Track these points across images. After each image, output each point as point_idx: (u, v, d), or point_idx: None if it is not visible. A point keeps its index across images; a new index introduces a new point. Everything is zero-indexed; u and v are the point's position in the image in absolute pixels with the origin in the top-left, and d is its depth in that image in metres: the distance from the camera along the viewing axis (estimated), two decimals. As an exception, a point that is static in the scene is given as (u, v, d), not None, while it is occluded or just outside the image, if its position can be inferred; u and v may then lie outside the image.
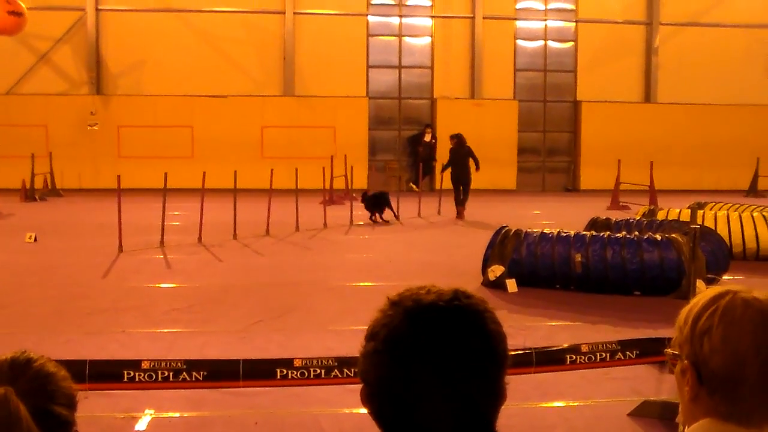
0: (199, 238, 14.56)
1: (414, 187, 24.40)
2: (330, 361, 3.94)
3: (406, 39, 27.92)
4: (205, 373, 3.88)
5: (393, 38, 27.87)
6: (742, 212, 14.57)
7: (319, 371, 3.95)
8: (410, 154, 27.50)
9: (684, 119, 28.41)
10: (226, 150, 25.48)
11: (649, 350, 3.92)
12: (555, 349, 3.80)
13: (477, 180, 26.97)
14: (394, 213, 18.41)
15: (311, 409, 6.13)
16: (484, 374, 1.47)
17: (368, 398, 1.50)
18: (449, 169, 19.65)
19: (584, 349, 3.71)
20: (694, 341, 1.68)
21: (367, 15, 27.53)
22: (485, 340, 1.47)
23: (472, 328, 1.47)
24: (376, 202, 18.28)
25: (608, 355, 3.74)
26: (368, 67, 27.65)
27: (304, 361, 3.96)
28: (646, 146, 26.79)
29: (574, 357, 3.70)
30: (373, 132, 27.61)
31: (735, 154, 28.15)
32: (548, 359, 3.68)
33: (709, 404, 1.68)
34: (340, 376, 3.95)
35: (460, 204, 19.30)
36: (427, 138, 26.79)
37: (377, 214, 18.22)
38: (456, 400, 1.45)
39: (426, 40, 27.95)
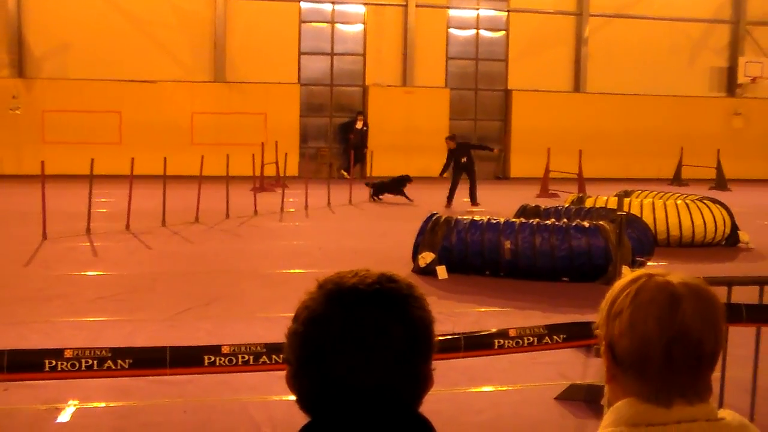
0: (127, 226, 14.30)
1: (345, 174, 24.35)
2: (258, 348, 3.90)
3: (338, 26, 27.81)
4: (131, 361, 3.79)
5: (325, 25, 27.73)
6: (667, 200, 14.89)
7: (247, 357, 3.90)
8: (342, 141, 27.45)
9: (612, 109, 28.91)
10: (156, 136, 25.05)
11: (575, 334, 3.98)
12: (483, 334, 3.82)
13: (408, 167, 27.09)
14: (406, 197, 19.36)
15: (240, 397, 6.07)
16: (404, 359, 1.46)
17: (290, 379, 1.50)
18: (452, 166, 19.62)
19: (512, 333, 3.74)
20: (609, 323, 1.73)
21: (299, 1, 27.32)
22: (407, 326, 1.47)
23: (391, 313, 1.46)
24: (396, 185, 19.31)
25: (536, 339, 3.77)
26: (300, 53, 27.46)
27: (232, 348, 3.90)
28: (575, 135, 27.20)
29: (502, 342, 3.72)
30: (304, 119, 27.46)
31: (660, 144, 28.76)
32: (476, 344, 3.69)
33: (626, 384, 1.72)
34: (268, 362, 3.91)
35: (473, 199, 19.20)
36: (359, 125, 26.76)
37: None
38: (375, 384, 1.44)
39: (358, 28, 27.88)
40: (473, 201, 19.18)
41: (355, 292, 1.47)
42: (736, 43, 30.69)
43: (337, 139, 27.74)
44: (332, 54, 27.77)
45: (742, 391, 4.73)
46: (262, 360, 3.93)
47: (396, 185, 19.17)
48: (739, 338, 5.16)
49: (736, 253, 13.75)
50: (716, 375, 4.43)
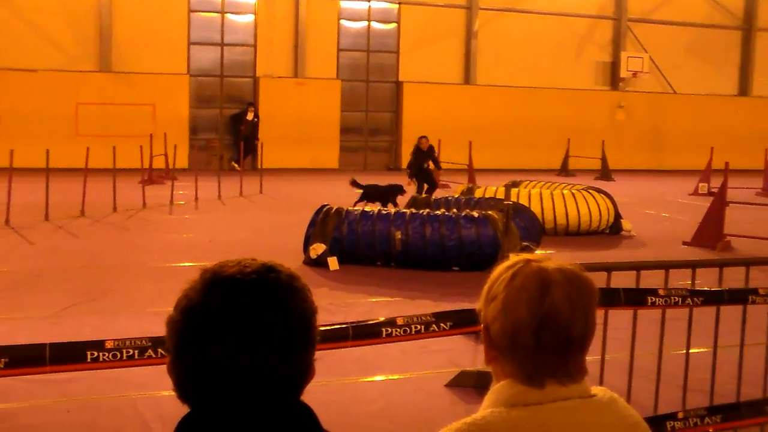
0: (7, 220, 13.76)
1: (236, 166, 24.04)
2: (144, 341, 3.80)
3: (228, 16, 27.40)
4: (6, 360, 3.64)
5: (215, 15, 27.28)
6: (554, 190, 15.28)
7: (132, 352, 3.80)
8: (232, 132, 27.07)
9: (501, 101, 29.45)
10: (37, 127, 24.16)
11: (461, 321, 4.03)
12: (371, 322, 3.83)
13: (299, 159, 26.98)
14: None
15: (128, 393, 5.94)
16: (281, 349, 1.46)
17: (169, 368, 1.49)
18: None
19: (399, 322, 3.76)
20: (486, 306, 1.77)
21: (188, -10, 26.79)
22: (284, 316, 1.47)
23: (268, 303, 1.46)
24: (385, 192, 16.51)
25: (423, 327, 3.81)
26: (189, 43, 26.95)
27: (116, 343, 3.80)
28: (466, 127, 27.59)
29: (389, 330, 3.74)
30: (194, 110, 26.97)
31: (548, 136, 29.48)
32: (364, 333, 3.70)
33: (504, 366, 1.77)
34: (154, 356, 3.82)
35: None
36: (250, 116, 26.45)
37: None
38: (252, 373, 1.44)
39: (249, 18, 27.54)
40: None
41: (232, 281, 1.47)
42: (618, 38, 31.70)
43: (228, 130, 27.35)
44: (222, 44, 27.36)
45: (620, 371, 4.90)
46: (147, 354, 3.84)
47: (389, 194, 16.56)
48: (618, 321, 5.35)
49: (619, 241, 14.23)
50: (597, 357, 4.57)
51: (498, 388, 1.76)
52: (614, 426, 1.74)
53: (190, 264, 10.78)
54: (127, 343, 3.81)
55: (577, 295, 1.71)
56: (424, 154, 19.50)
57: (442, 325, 3.83)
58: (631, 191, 21.72)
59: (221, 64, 27.40)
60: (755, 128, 32.56)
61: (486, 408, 1.74)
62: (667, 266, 4.58)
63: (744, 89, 33.91)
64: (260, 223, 15.06)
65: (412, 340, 3.98)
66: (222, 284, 1.47)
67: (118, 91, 25.39)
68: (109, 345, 3.78)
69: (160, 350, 3.79)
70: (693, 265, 4.71)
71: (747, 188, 21.73)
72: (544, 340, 1.70)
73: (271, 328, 1.45)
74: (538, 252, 11.82)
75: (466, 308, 4.16)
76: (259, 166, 21.37)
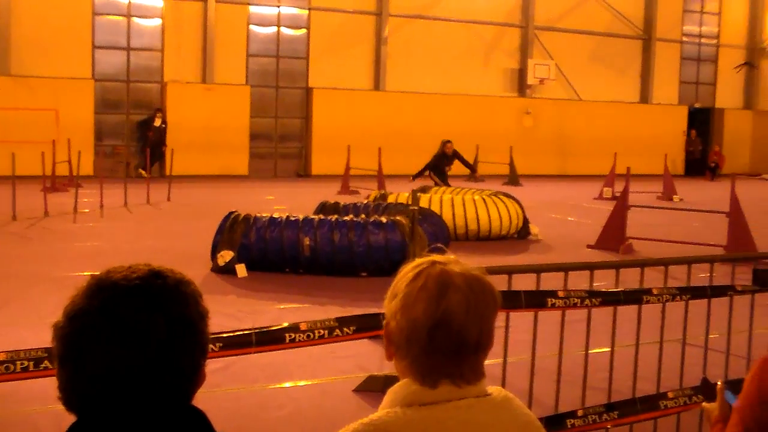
0: None
1: (143, 173, 23.59)
2: (39, 352, 3.69)
3: (135, 19, 26.90)
4: None
5: (121, 18, 26.74)
6: (464, 195, 15.47)
7: (27, 364, 3.68)
8: (139, 139, 26.59)
9: (411, 107, 29.67)
10: (-69, 133, 23.28)
11: (365, 326, 4.04)
12: (274, 328, 3.81)
13: (208, 166, 26.65)
14: None
15: (26, 408, 5.76)
16: (166, 355, 1.45)
17: (57, 375, 1.48)
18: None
19: (303, 327, 3.75)
20: (389, 303, 1.80)
21: (91, -8, 26.20)
22: (168, 320, 1.46)
23: (150, 308, 1.46)
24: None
25: (327, 332, 3.81)
26: (94, 47, 26.35)
27: (9, 355, 3.68)
28: (376, 133, 27.71)
29: (293, 336, 3.72)
30: (99, 116, 26.36)
31: (457, 141, 29.64)
32: (268, 339, 3.67)
33: (402, 365, 1.80)
34: (51, 367, 3.71)
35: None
36: (157, 123, 26.01)
37: None
38: (137, 379, 1.44)
39: (156, 22, 27.09)
40: None
41: (114, 287, 1.47)
42: (526, 46, 32.32)
43: (135, 136, 26.85)
44: (128, 48, 26.85)
45: (523, 373, 4.99)
46: (43, 365, 3.73)
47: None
48: (520, 323, 5.45)
49: (527, 245, 14.48)
50: (499, 360, 4.64)
51: (395, 389, 1.79)
52: (508, 424, 1.77)
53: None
54: (21, 354, 3.70)
55: (476, 300, 1.74)
56: (448, 158, 19.79)
57: (345, 329, 3.83)
58: (539, 196, 22.16)
59: (127, 68, 26.87)
60: (655, 134, 33.64)
61: (383, 408, 1.76)
62: (566, 268, 4.69)
63: (645, 96, 34.99)
64: (167, 231, 14.81)
65: (317, 345, 3.97)
66: (105, 290, 1.47)
67: (18, 95, 24.59)
68: (1, 357, 3.66)
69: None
70: (591, 267, 4.84)
71: (648, 192, 22.43)
72: (437, 341, 1.73)
73: (153, 333, 1.44)
74: (449, 254, 11.94)
75: (370, 313, 4.18)
76: (168, 173, 21.03)
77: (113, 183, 19.65)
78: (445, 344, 1.73)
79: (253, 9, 28.22)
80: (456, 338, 1.73)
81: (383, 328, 1.83)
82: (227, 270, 10.66)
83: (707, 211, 14.49)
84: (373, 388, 6.51)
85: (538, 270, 4.58)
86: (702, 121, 35.90)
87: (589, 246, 13.99)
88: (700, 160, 34.56)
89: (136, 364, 1.42)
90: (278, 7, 28.61)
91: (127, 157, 25.30)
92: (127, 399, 1.43)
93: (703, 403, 2.90)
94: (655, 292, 4.80)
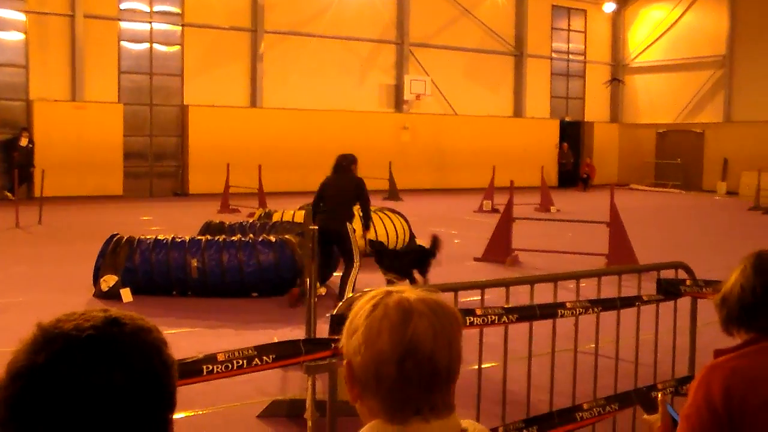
0: None
1: (9, 195, 22.48)
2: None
3: (-4, 35, 25.67)
4: None
5: (-19, 34, 25.48)
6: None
7: None
8: (4, 159, 25.29)
9: (288, 124, 29.42)
10: None
11: (285, 353, 3.85)
12: (189, 360, 3.56)
13: (81, 186, 25.63)
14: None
15: None
16: (126, 416, 1.24)
17: None
18: None
19: (220, 358, 3.52)
20: (347, 340, 1.70)
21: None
22: (128, 377, 1.25)
23: (106, 363, 1.24)
24: (416, 259, 12.22)
25: (245, 361, 3.59)
26: (-48, 64, 25.01)
27: None
28: (254, 150, 27.33)
29: (210, 367, 3.49)
30: (-40, 136, 25.03)
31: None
32: (184, 372, 3.41)
33: (369, 405, 1.68)
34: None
35: None
36: (24, 142, 24.80)
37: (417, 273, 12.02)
38: None
39: (19, 36, 25.90)
40: None
41: (63, 339, 1.25)
42: (401, 62, 32.61)
43: (0, 157, 25.58)
44: (-9, 65, 25.60)
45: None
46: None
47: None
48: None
49: (414, 260, 14.44)
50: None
51: (366, 430, 1.67)
52: None
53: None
54: None
55: (440, 324, 1.66)
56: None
57: (265, 358, 3.62)
58: (420, 210, 22.28)
59: (-12, 86, 25.60)
60: (530, 147, 34.52)
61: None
62: (483, 285, 4.63)
63: (518, 111, 35.89)
64: (42, 257, 14.06)
65: (236, 376, 3.74)
66: (53, 342, 1.24)
67: None
68: None
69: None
70: (506, 284, 4.79)
71: (526, 204, 22.90)
72: (408, 372, 1.62)
73: (111, 392, 1.23)
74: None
75: (289, 340, 4.00)
76: (37, 195, 20.08)
77: (-22, 206, 18.61)
78: (416, 374, 1.63)
79: (123, 25, 27.39)
80: (427, 366, 1.63)
81: (345, 369, 1.71)
82: (111, 295, 10.18)
83: (590, 222, 14.79)
84: (278, 412, 6.31)
85: (455, 288, 4.49)
86: (572, 135, 37.11)
87: (476, 258, 14.11)
88: (572, 171, 35.69)
89: (91, 429, 1.21)
90: (150, 23, 27.89)
91: (-9, 179, 24.08)
92: None
93: (644, 416, 2.90)
94: (568, 305, 4.80)
